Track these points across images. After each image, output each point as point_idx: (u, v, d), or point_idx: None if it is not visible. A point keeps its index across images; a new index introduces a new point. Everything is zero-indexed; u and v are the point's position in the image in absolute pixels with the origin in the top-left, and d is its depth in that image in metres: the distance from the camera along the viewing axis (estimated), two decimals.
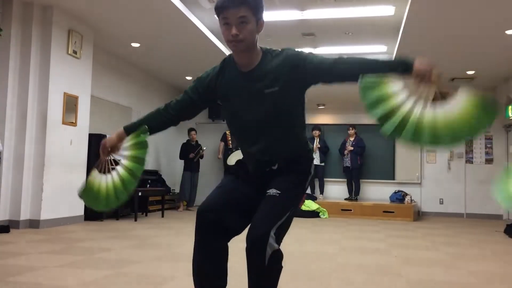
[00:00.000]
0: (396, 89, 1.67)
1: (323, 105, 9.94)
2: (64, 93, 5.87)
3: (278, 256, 1.81)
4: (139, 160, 1.94)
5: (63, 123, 5.86)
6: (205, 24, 6.53)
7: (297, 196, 1.88)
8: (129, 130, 1.98)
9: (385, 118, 1.65)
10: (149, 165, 9.10)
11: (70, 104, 6.00)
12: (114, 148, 1.98)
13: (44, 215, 5.53)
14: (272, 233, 1.71)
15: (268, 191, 1.80)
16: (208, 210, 1.81)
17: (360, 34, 7.00)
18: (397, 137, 1.63)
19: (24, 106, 5.50)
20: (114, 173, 1.98)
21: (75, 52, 6.05)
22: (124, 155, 1.98)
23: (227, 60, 1.90)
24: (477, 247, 5.11)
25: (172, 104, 1.98)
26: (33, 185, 5.52)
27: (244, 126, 1.90)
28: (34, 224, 5.46)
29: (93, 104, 6.72)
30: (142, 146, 1.94)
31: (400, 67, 1.70)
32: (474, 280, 3.37)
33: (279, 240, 1.77)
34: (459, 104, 1.60)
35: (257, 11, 1.73)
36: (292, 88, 1.80)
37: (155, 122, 1.99)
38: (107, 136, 2.03)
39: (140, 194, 6.96)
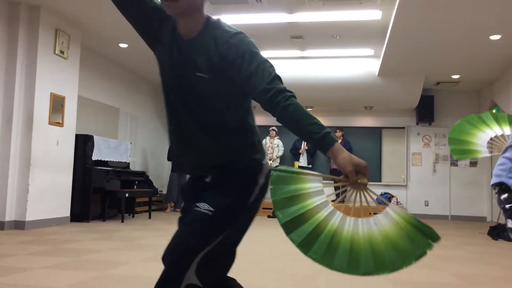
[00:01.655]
0: (312, 187, 1.32)
1: (311, 107, 9.99)
2: (51, 93, 5.83)
3: None
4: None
5: (50, 123, 5.82)
6: None
7: (237, 217, 1.46)
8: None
9: (293, 223, 1.29)
10: (137, 166, 9.06)
11: (57, 104, 5.96)
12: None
13: (30, 216, 5.47)
14: (194, 261, 1.35)
15: (197, 204, 1.40)
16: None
17: (348, 37, 7.07)
18: (305, 252, 1.28)
19: (10, 106, 5.45)
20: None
21: (62, 52, 6.01)
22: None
23: (173, 19, 1.51)
24: (461, 249, 5.19)
25: None
26: (18, 185, 5.46)
27: (170, 109, 1.52)
28: (19, 225, 5.41)
29: (80, 104, 6.68)
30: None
31: (320, 148, 1.32)
32: (457, 281, 3.42)
33: (205, 279, 1.40)
34: (387, 223, 1.28)
35: None
36: (223, 79, 1.42)
37: None
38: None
39: (127, 195, 6.92)
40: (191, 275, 1.36)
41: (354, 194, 1.33)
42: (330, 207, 1.31)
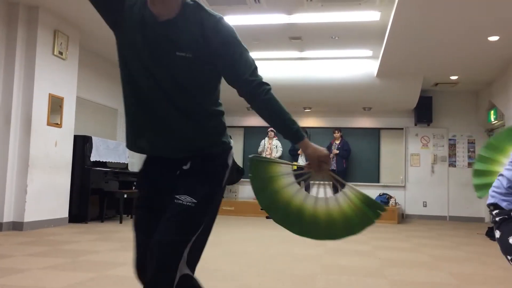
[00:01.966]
0: (284, 172, 1.62)
1: (309, 108, 10.01)
2: (49, 94, 5.83)
3: (187, 283, 1.42)
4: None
5: (48, 124, 5.81)
6: None
7: (216, 203, 1.51)
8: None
9: (271, 204, 1.61)
10: (135, 167, 9.05)
11: (55, 105, 5.95)
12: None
13: (28, 217, 5.47)
14: (185, 255, 1.37)
15: (177, 197, 1.40)
16: (142, 269, 1.46)
17: (346, 38, 7.08)
18: (284, 226, 1.60)
19: (9, 107, 5.44)
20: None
21: (60, 53, 6.01)
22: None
23: None
24: (459, 249, 5.20)
25: None
26: (17, 186, 5.46)
27: (140, 97, 1.45)
28: (17, 226, 5.40)
29: (78, 105, 6.67)
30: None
31: (292, 134, 1.51)
32: (456, 282, 3.43)
33: (193, 265, 1.46)
34: (343, 200, 1.59)
35: None
36: (206, 59, 1.43)
37: None
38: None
39: (125, 196, 6.92)
40: (183, 266, 1.37)
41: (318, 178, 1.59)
42: (299, 188, 1.60)
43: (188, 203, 1.39)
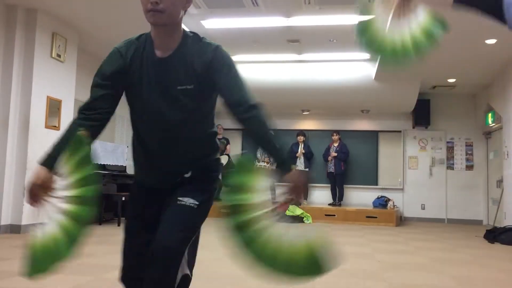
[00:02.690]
0: (261, 187, 1.47)
1: (308, 110, 10.02)
2: (48, 96, 5.82)
3: (185, 285, 1.52)
4: (85, 200, 1.45)
5: (46, 127, 5.80)
6: (191, 29, 6.54)
7: (208, 210, 1.61)
8: (50, 164, 1.54)
9: (235, 209, 1.45)
10: (133, 169, 9.03)
11: (53, 108, 5.94)
12: (47, 190, 1.52)
13: (26, 220, 5.45)
14: (185, 253, 1.45)
15: (180, 199, 1.51)
16: (129, 278, 1.59)
17: (344, 41, 7.09)
18: (231, 231, 1.44)
19: (7, 109, 5.43)
20: (51, 221, 1.53)
21: (59, 55, 6.00)
22: (63, 197, 1.50)
23: (144, 38, 1.56)
24: (458, 252, 5.20)
25: (88, 107, 1.62)
26: (14, 189, 5.44)
27: (151, 130, 1.59)
28: (15, 229, 5.38)
29: (76, 108, 6.64)
30: (89, 182, 1.45)
31: (279, 167, 1.49)
32: (454, 284, 3.43)
33: (190, 265, 1.54)
34: (296, 239, 1.46)
35: None
36: (206, 87, 1.54)
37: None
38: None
39: (123, 199, 6.90)
40: (184, 266, 1.45)
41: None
42: (268, 208, 1.45)
43: (190, 204, 1.50)
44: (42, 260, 1.52)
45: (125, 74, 1.55)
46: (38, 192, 1.52)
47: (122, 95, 1.64)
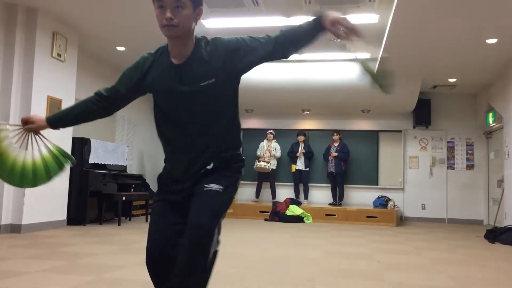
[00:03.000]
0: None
1: (308, 110, 10.01)
2: (48, 96, 5.82)
3: (214, 260, 1.70)
4: (58, 161, 1.95)
5: None
6: None
7: (233, 194, 1.76)
8: (54, 122, 1.93)
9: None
10: (134, 169, 9.04)
11: (54, 108, 5.94)
12: (37, 130, 1.96)
13: (26, 220, 5.45)
14: (216, 231, 1.60)
15: (206, 186, 1.66)
16: (157, 254, 1.70)
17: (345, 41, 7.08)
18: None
19: (7, 108, 5.44)
20: (36, 152, 1.94)
21: (59, 55, 6.00)
22: (48, 145, 1.95)
23: (161, 50, 1.76)
24: (458, 252, 5.20)
25: (102, 95, 1.86)
26: (14, 189, 5.43)
27: (177, 128, 1.75)
28: (15, 228, 5.39)
29: None
30: (61, 161, 1.96)
31: (314, 25, 1.72)
32: (454, 284, 3.43)
33: (217, 243, 1.69)
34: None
35: None
36: (228, 77, 1.70)
37: (85, 114, 1.90)
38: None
39: (124, 198, 6.91)
40: (216, 243, 1.62)
41: None
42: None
43: (217, 189, 1.64)
44: (13, 172, 1.93)
45: (143, 81, 1.77)
46: (27, 129, 1.96)
47: (133, 100, 1.89)
